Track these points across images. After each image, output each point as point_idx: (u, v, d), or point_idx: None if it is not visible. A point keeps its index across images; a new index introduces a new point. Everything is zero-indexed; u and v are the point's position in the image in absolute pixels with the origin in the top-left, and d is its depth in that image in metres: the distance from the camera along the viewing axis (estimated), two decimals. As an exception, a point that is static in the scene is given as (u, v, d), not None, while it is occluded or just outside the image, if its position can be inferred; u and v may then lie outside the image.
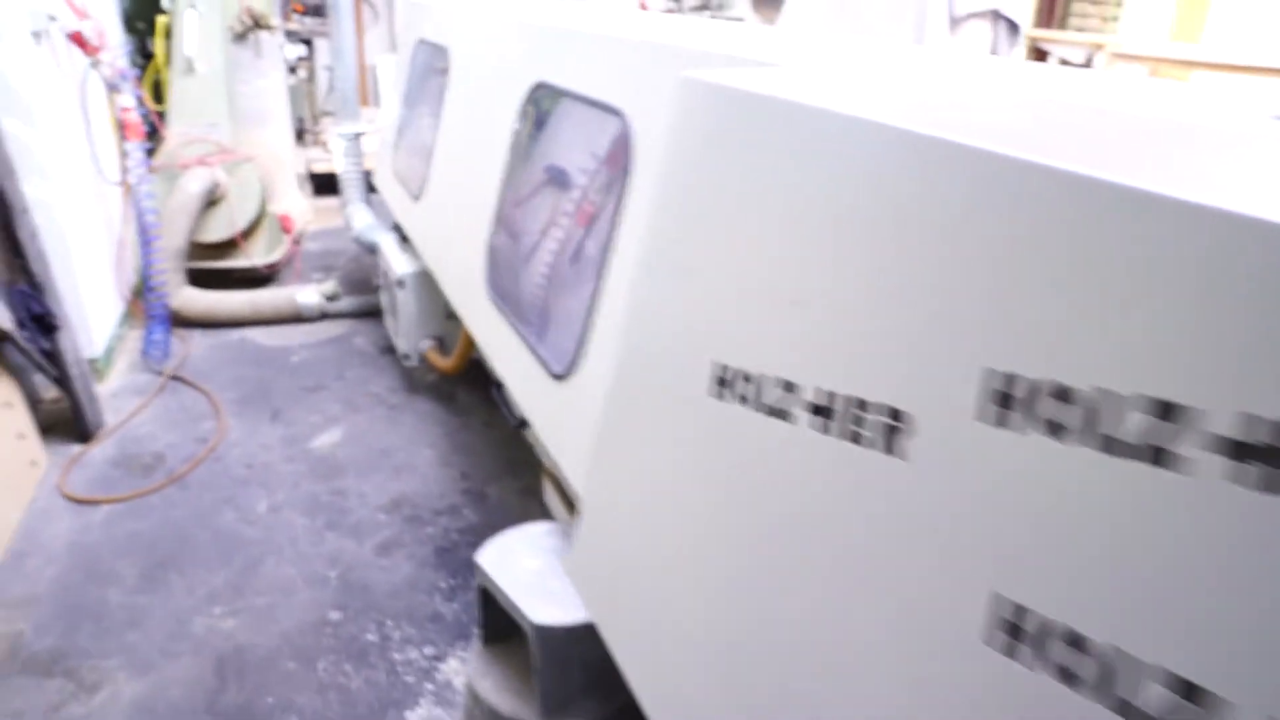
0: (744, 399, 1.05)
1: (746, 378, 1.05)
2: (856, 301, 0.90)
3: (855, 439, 0.87)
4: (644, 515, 1.32)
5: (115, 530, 2.75)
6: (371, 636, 2.40)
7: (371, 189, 4.51)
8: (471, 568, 2.70)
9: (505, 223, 2.37)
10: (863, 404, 0.87)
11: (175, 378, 3.73)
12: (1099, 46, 7.55)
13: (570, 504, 2.56)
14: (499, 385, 2.39)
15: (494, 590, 1.77)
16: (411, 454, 3.28)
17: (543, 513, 3.02)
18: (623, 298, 1.64)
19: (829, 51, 1.70)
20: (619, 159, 1.80)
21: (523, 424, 2.26)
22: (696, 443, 1.16)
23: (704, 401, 1.13)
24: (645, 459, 1.32)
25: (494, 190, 2.40)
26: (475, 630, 2.16)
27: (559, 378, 1.87)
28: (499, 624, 1.76)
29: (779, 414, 0.99)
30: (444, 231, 2.88)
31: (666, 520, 1.24)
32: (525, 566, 1.85)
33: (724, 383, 1.09)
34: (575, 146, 2.09)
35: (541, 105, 2.24)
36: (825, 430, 0.92)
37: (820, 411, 0.93)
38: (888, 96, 1.11)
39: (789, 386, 0.98)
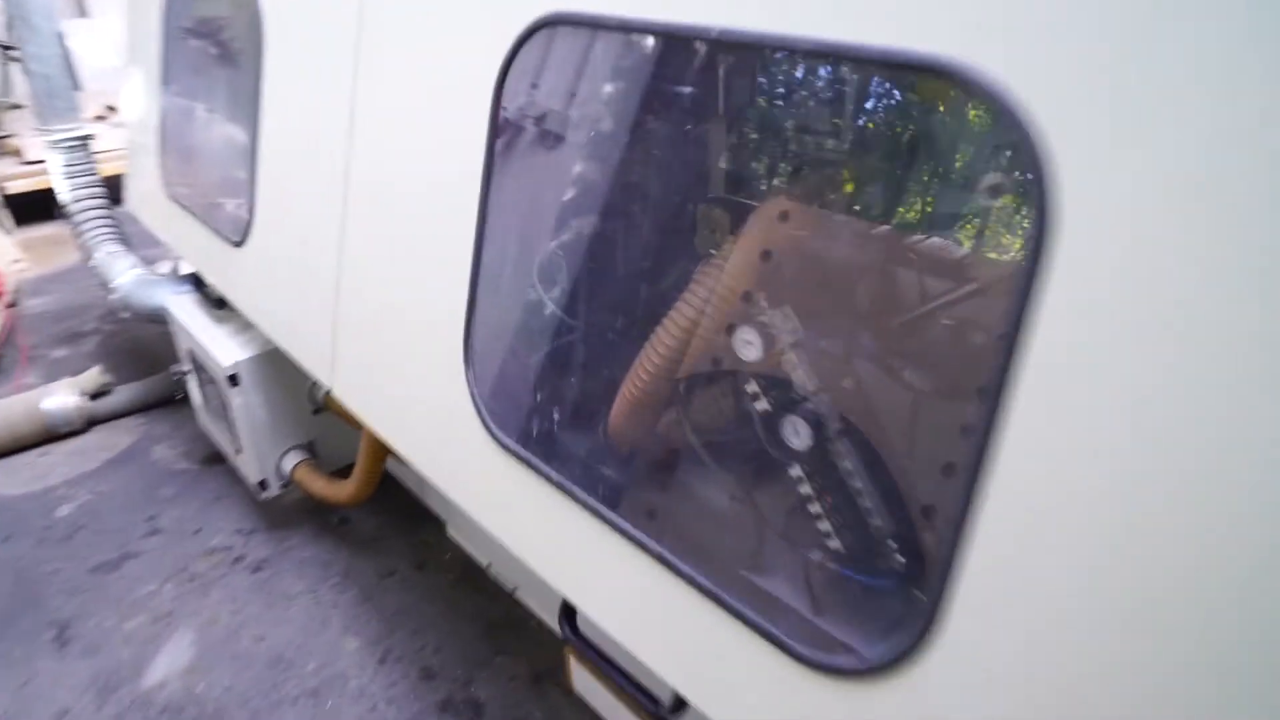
0: None
1: None
2: None
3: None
4: None
5: None
6: None
7: (116, 201, 2.97)
8: None
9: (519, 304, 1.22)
10: None
11: None
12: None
13: (633, 703, 1.52)
14: (569, 613, 1.28)
15: None
16: (326, 654, 2.04)
17: (581, 716, 1.91)
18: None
19: None
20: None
21: (681, 705, 1.18)
22: None
23: None
24: None
25: (463, 236, 1.21)
26: None
27: (835, 672, 0.84)
28: None
29: None
30: (314, 302, 1.62)
31: None
32: None
33: None
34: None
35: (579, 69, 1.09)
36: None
37: None
38: None
39: None
